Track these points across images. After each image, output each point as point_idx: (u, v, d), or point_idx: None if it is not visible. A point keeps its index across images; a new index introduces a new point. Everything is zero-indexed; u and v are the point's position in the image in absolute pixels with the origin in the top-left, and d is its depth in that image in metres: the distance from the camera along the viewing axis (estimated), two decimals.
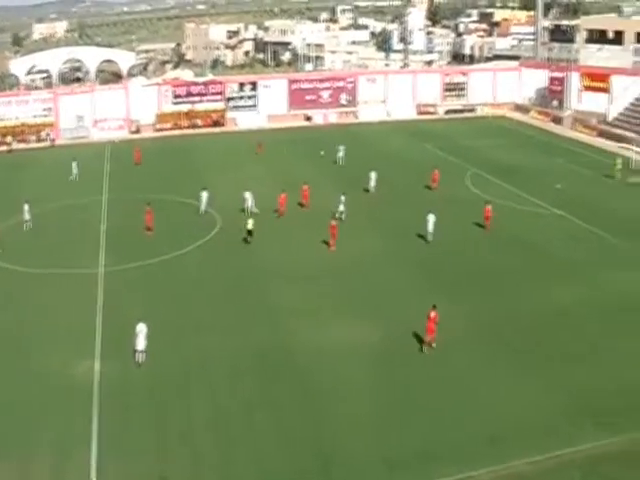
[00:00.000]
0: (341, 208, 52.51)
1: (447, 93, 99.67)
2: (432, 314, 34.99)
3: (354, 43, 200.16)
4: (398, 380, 32.40)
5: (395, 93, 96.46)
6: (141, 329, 33.56)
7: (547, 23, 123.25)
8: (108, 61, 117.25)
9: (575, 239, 50.51)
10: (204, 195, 54.59)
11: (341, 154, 69.47)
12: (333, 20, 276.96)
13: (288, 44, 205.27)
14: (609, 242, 49.63)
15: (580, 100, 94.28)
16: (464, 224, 52.50)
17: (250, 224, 49.04)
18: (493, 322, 38.02)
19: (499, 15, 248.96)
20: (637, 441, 28.27)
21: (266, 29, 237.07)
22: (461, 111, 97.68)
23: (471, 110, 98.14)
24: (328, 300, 40.38)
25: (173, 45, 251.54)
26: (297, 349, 35.06)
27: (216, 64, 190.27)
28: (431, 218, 48.89)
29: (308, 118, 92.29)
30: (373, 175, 59.94)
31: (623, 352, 35.06)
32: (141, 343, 33.36)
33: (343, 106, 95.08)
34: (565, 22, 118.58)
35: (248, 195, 54.26)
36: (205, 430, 28.98)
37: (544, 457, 27.18)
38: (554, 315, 38.80)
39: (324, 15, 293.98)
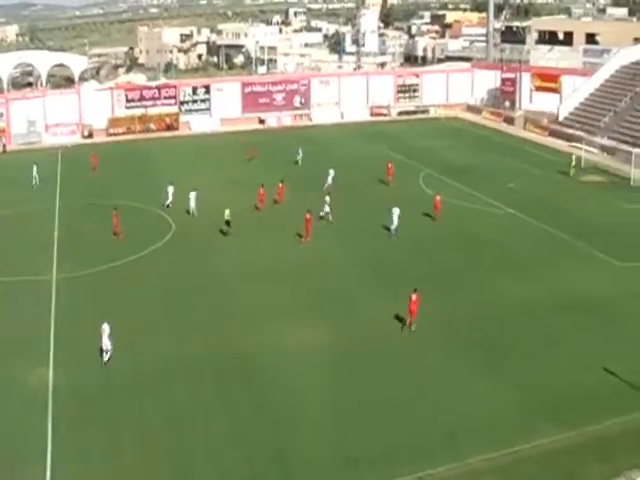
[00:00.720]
0: (327, 209, 52.87)
1: (400, 95, 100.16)
2: (413, 297, 36.43)
3: (307, 45, 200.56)
4: (358, 380, 32.51)
5: (348, 95, 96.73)
6: (104, 329, 33.53)
7: (498, 24, 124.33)
8: (60, 65, 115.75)
9: (528, 237, 51.15)
10: (170, 190, 56.33)
11: (300, 156, 69.87)
12: (286, 23, 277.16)
13: (241, 47, 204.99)
14: (561, 239, 50.32)
15: (531, 100, 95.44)
16: (420, 224, 52.97)
17: (227, 214, 50.30)
18: (450, 320, 38.41)
19: (451, 17, 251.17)
20: (590, 435, 28.72)
21: (219, 32, 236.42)
22: (414, 112, 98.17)
23: (424, 111, 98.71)
24: (287, 301, 40.40)
25: (126, 49, 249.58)
26: (256, 351, 34.95)
27: (169, 68, 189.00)
28: (395, 212, 49.37)
29: (262, 121, 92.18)
30: (332, 172, 60.78)
31: (575, 347, 35.64)
32: (105, 343, 33.37)
33: (297, 109, 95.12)
34: (516, 23, 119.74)
35: (192, 195, 54.99)
36: (161, 434, 28.80)
37: (501, 453, 27.42)
38: (509, 312, 39.37)
39: (277, 18, 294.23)
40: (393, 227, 49.68)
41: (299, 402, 30.86)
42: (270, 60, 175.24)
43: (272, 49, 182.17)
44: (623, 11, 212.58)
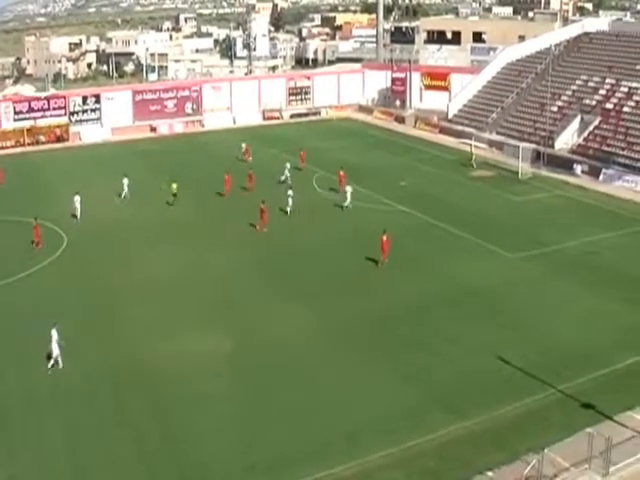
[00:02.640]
0: (290, 202, 54.97)
1: (292, 97, 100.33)
2: (384, 237, 44.81)
3: (198, 51, 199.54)
4: (255, 386, 32.41)
5: (240, 100, 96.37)
6: (52, 334, 33.53)
7: (388, 25, 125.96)
8: None
9: (421, 233, 52.08)
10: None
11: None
12: (177, 29, 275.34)
13: (131, 55, 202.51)
14: (454, 234, 51.34)
15: (421, 99, 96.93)
16: (315, 226, 53.18)
17: (174, 188, 57.21)
18: (347, 320, 38.62)
19: (341, 19, 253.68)
20: (486, 423, 29.43)
21: (109, 40, 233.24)
22: (306, 114, 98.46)
23: (316, 113, 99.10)
24: (181, 311, 39.90)
25: (13, 59, 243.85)
26: (152, 363, 34.40)
27: (58, 78, 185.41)
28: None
29: (153, 129, 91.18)
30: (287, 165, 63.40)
31: (469, 338, 36.51)
32: (52, 349, 33.53)
33: (189, 115, 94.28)
34: (405, 24, 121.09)
35: (77, 199, 55.11)
36: (58, 452, 28.07)
37: (399, 448, 27.80)
38: (404, 308, 39.95)
39: (167, 24, 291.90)
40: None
41: (199, 411, 30.57)
42: (161, 67, 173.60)
43: (163, 56, 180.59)
44: (508, 10, 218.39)
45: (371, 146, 77.46)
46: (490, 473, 26.25)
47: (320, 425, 29.50)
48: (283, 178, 62.50)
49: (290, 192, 55.14)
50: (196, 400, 31.36)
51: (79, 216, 54.97)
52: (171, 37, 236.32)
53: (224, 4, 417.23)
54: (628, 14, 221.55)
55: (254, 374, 33.41)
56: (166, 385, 32.64)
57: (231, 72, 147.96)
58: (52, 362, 33.75)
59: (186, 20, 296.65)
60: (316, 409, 30.64)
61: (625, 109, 74.13)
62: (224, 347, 35.85)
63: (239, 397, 31.60)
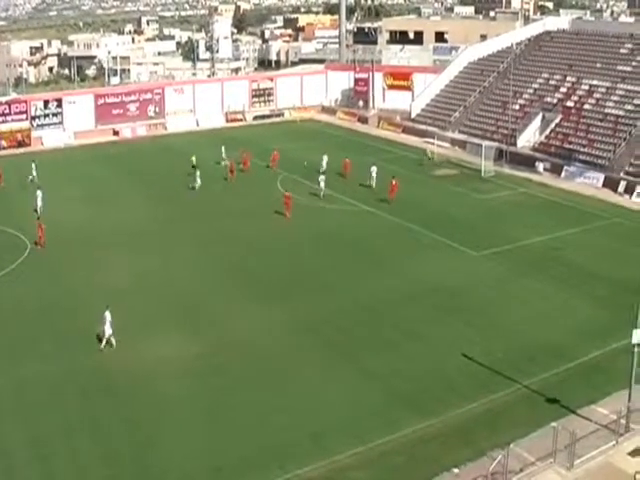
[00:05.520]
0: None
1: (255, 99, 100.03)
2: (393, 182, 56.12)
3: (160, 54, 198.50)
4: (220, 388, 32.31)
5: (203, 102, 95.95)
6: (105, 316, 35.44)
7: (350, 26, 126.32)
8: None
9: (385, 233, 52.19)
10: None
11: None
12: (139, 32, 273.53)
13: (93, 58, 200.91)
14: (419, 233, 51.67)
15: (384, 99, 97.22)
16: (280, 227, 53.16)
17: (193, 160, 64.58)
18: (312, 321, 38.66)
19: (304, 20, 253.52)
20: (453, 420, 29.62)
21: (70, 44, 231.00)
22: (269, 116, 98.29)
23: (279, 115, 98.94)
24: (146, 314, 39.65)
25: None
26: (115, 369, 34.11)
27: (19, 82, 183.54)
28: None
29: (116, 132, 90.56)
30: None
31: (435, 337, 36.77)
32: (105, 330, 35.47)
33: (151, 118, 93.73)
34: (368, 24, 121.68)
35: (39, 193, 55.73)
36: (24, 455, 27.73)
37: (366, 447, 27.88)
38: (369, 307, 40.12)
39: (129, 27, 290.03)
40: None
41: (163, 416, 30.33)
42: (123, 70, 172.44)
43: (125, 59, 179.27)
44: (470, 9, 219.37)
45: (334, 146, 77.22)
46: (456, 470, 26.46)
47: (286, 426, 29.46)
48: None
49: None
50: (161, 403, 31.20)
51: (39, 212, 54.57)
52: (133, 40, 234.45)
53: (186, 6, 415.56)
54: (588, 13, 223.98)
55: (219, 376, 33.29)
56: (131, 389, 32.40)
57: (194, 74, 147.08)
58: (104, 342, 35.47)
59: (148, 23, 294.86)
60: (282, 410, 30.58)
61: (586, 107, 74.85)
62: (190, 349, 35.65)
63: (205, 399, 31.47)
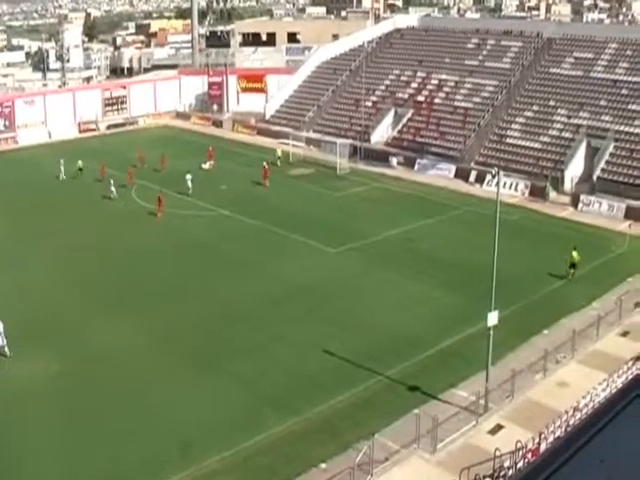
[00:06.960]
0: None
1: (108, 108, 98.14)
2: (265, 165, 59.73)
3: (9, 65, 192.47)
4: (83, 406, 31.48)
5: (55, 113, 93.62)
6: None
7: (203, 30, 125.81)
8: None
9: (245, 236, 52.20)
10: None
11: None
12: None
13: None
14: (277, 234, 51.88)
15: (239, 102, 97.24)
16: (134, 236, 52.49)
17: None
18: (171, 329, 38.27)
19: (156, 25, 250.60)
20: (317, 417, 30.06)
21: None
22: (123, 125, 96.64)
23: (133, 123, 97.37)
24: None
25: None
26: None
27: None
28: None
29: None
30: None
31: (294, 338, 37.10)
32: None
33: (1, 132, 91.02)
34: (220, 28, 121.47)
35: None
36: None
37: (233, 451, 27.93)
38: (229, 312, 40.12)
39: None
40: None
41: (23, 439, 29.26)
42: None
43: None
44: (322, 10, 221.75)
45: (188, 152, 76.53)
46: (324, 465, 26.84)
47: (152, 437, 29.18)
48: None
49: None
50: (19, 427, 30.14)
51: None
52: None
53: (35, 15, 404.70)
54: (436, 10, 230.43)
55: (81, 394, 32.48)
56: None
57: (44, 85, 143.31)
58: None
59: None
60: (147, 422, 30.29)
61: (436, 100, 76.91)
62: (48, 369, 34.60)
63: (66, 420, 30.64)
